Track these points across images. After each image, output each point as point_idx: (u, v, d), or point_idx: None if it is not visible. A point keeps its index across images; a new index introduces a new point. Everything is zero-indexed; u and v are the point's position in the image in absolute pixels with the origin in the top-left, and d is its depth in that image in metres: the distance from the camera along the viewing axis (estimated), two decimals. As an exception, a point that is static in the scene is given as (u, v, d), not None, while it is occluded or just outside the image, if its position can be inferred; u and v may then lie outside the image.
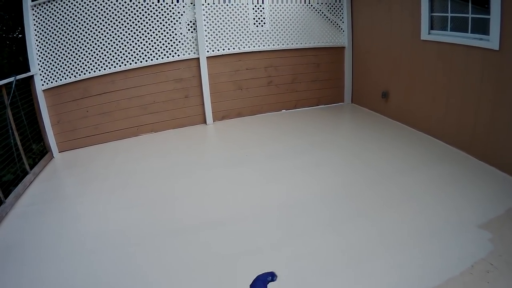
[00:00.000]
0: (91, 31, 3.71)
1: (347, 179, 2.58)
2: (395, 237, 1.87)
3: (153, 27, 3.80)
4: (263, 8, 4.10)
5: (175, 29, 3.87)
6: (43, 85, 3.79)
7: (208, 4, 3.89)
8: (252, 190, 2.53)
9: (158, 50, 3.86)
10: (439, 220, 1.98)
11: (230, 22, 4.00)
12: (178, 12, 3.85)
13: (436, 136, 3.24)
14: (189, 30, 3.92)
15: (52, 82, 3.80)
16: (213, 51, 3.99)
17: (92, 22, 3.69)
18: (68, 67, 3.77)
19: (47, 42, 3.70)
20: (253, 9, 4.07)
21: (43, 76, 3.78)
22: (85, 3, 3.66)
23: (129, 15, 3.73)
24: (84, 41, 3.73)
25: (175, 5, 3.81)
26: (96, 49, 3.76)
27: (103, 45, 3.75)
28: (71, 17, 3.66)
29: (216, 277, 1.68)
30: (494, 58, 2.55)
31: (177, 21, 3.86)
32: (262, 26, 4.12)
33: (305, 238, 1.93)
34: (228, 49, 4.03)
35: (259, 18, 4.09)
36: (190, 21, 3.89)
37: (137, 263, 1.86)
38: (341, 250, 1.80)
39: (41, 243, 2.16)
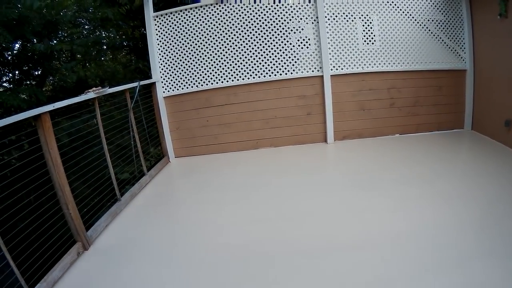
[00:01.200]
0: (213, 43, 3.93)
1: (474, 213, 2.20)
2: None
3: (278, 43, 3.92)
4: (372, 26, 4.00)
5: (299, 45, 3.95)
6: (164, 92, 4.07)
7: (330, 20, 3.94)
8: (376, 217, 2.26)
9: (282, 66, 3.93)
10: None
11: (352, 41, 3.99)
12: (302, 29, 3.94)
13: None
14: (311, 46, 3.98)
15: (173, 90, 4.06)
16: (336, 69, 3.97)
17: (214, 36, 3.92)
18: (190, 76, 3.99)
19: (169, 51, 3.98)
20: (363, 27, 4.00)
21: (165, 84, 4.06)
22: (206, 16, 3.91)
23: (254, 30, 3.90)
24: (207, 52, 3.94)
25: (299, 21, 3.93)
26: (219, 61, 3.94)
27: (226, 57, 3.93)
28: (193, 28, 3.93)
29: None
30: None
31: (299, 38, 3.96)
32: (372, 44, 4.04)
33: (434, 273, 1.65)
34: (352, 68, 3.98)
35: (370, 36, 4.02)
36: (314, 39, 3.96)
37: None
38: None
39: (147, 248, 2.17)
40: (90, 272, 2.00)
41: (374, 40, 4.04)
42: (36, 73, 6.63)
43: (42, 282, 1.81)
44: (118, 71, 5.01)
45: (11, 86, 6.40)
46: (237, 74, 3.97)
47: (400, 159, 3.42)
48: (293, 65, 3.95)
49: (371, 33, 4.02)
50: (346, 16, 3.98)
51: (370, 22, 4.03)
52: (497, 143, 3.78)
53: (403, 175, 2.97)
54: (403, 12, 4.06)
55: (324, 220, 2.29)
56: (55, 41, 6.21)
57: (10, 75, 6.53)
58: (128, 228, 2.49)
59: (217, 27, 3.93)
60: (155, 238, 2.29)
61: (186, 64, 4.00)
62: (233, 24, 3.91)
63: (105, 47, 5.30)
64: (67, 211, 2.19)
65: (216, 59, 3.97)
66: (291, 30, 3.92)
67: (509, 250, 1.76)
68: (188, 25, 3.95)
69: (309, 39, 3.95)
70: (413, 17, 4.07)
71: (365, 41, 4.04)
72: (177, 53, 3.99)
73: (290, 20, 3.91)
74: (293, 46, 3.93)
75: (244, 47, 3.93)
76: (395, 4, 4.01)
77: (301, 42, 3.95)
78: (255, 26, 3.91)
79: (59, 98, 5.08)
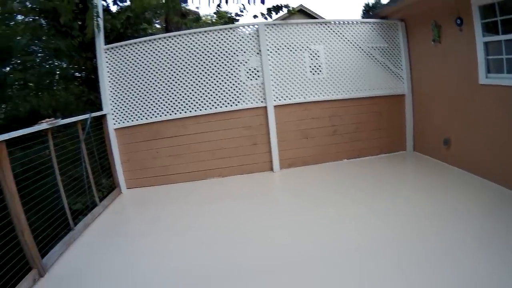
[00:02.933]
0: (163, 76, 4.13)
1: (415, 226, 2.55)
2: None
3: (224, 75, 4.17)
4: (318, 56, 4.38)
5: (247, 77, 4.23)
6: (114, 124, 4.20)
7: (272, 53, 4.24)
8: (319, 235, 2.55)
9: (228, 98, 4.17)
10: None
11: (296, 71, 4.32)
12: (246, 62, 4.25)
13: (501, 184, 3.12)
14: (255, 78, 4.28)
15: (124, 122, 4.21)
16: (280, 100, 4.27)
17: (164, 69, 4.13)
18: (140, 109, 4.14)
19: (119, 84, 4.14)
20: (310, 57, 4.35)
21: (115, 116, 4.20)
22: (156, 49, 4.12)
23: (200, 64, 4.14)
24: (156, 85, 4.13)
25: (242, 55, 4.22)
26: (169, 93, 4.14)
27: (175, 90, 4.14)
28: (143, 61, 4.13)
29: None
30: None
31: (244, 70, 4.25)
32: (319, 74, 4.41)
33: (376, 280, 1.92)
34: (294, 98, 4.28)
35: (316, 66, 4.36)
36: (255, 69, 4.24)
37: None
38: None
39: (102, 274, 2.33)
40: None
41: (321, 70, 4.39)
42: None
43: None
44: (71, 102, 5.11)
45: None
46: (185, 107, 4.16)
47: (342, 184, 3.70)
48: (238, 96, 4.20)
49: (318, 63, 4.36)
50: (290, 48, 4.31)
51: (317, 52, 4.38)
52: (437, 161, 4.19)
53: (343, 197, 3.29)
54: (348, 41, 4.43)
55: (266, 242, 2.56)
56: (7, 68, 6.21)
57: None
58: (83, 256, 2.62)
59: (166, 60, 4.12)
60: (109, 266, 2.43)
61: (137, 96, 4.15)
62: (182, 57, 4.12)
63: (57, 77, 5.39)
64: (23, 239, 2.30)
65: (166, 91, 4.15)
66: (239, 62, 4.20)
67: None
68: (138, 57, 4.12)
69: (255, 71, 4.25)
70: (357, 45, 4.46)
71: (312, 71, 4.39)
72: (127, 85, 4.15)
73: (236, 52, 4.19)
74: (240, 77, 4.21)
75: (192, 80, 4.14)
76: (341, 34, 4.38)
77: (249, 74, 4.23)
78: (204, 59, 4.14)
79: (12, 128, 5.08)
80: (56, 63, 5.16)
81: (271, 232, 2.72)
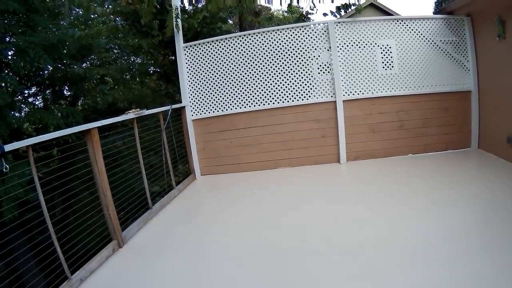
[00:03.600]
0: (237, 71, 4.52)
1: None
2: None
3: (296, 70, 4.48)
4: (390, 51, 4.51)
5: (318, 72, 4.50)
6: (192, 115, 4.70)
7: (342, 49, 4.45)
8: (375, 228, 2.67)
9: (299, 92, 4.48)
10: None
11: (365, 66, 4.49)
12: (317, 58, 4.51)
13: None
14: (326, 73, 4.53)
15: (201, 114, 4.69)
16: (348, 95, 4.50)
17: (238, 65, 4.52)
18: (216, 101, 4.58)
19: (197, 78, 4.60)
20: (381, 52, 4.53)
21: (193, 108, 4.70)
22: (231, 46, 4.52)
23: (273, 60, 4.47)
24: (231, 80, 4.54)
25: (313, 51, 4.50)
26: (242, 88, 4.53)
27: (248, 85, 4.51)
28: (219, 58, 4.54)
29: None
30: None
31: (316, 65, 4.52)
32: (390, 69, 4.57)
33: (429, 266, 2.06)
34: (363, 93, 4.49)
35: (387, 61, 4.52)
36: (325, 64, 4.50)
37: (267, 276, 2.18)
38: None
39: (174, 247, 2.68)
40: (122, 266, 2.47)
41: (392, 65, 4.54)
42: (68, 93, 7.48)
43: (81, 270, 2.33)
44: (147, 95, 5.70)
45: (44, 104, 7.25)
46: (258, 100, 4.54)
47: (406, 177, 3.86)
48: (308, 91, 4.48)
49: (390, 58, 4.51)
50: (358, 44, 4.49)
51: (388, 48, 4.53)
52: (500, 159, 4.19)
53: (409, 190, 3.44)
54: (417, 34, 4.53)
55: (330, 228, 2.78)
56: (86, 64, 7.04)
57: (46, 92, 7.37)
58: (158, 232, 3.03)
59: (241, 57, 4.52)
60: (181, 241, 2.80)
61: (213, 90, 4.61)
62: (256, 54, 4.49)
63: (136, 72, 6.03)
64: (107, 213, 2.69)
65: (240, 86, 4.55)
66: (310, 58, 4.47)
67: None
68: (214, 54, 4.56)
69: (325, 66, 4.51)
70: (426, 39, 4.53)
71: (384, 66, 4.54)
72: (204, 80, 4.61)
73: (307, 48, 4.47)
74: (311, 73, 4.48)
75: (266, 75, 4.50)
76: (409, 28, 4.50)
77: (320, 69, 4.51)
78: (276, 56, 4.47)
79: (91, 118, 5.84)
80: (135, 60, 5.81)
81: (334, 219, 2.93)
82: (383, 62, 4.54)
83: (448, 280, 1.91)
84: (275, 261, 2.34)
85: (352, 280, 2.02)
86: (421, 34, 4.53)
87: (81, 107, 7.14)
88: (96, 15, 5.99)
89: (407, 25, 4.50)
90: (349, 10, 4.84)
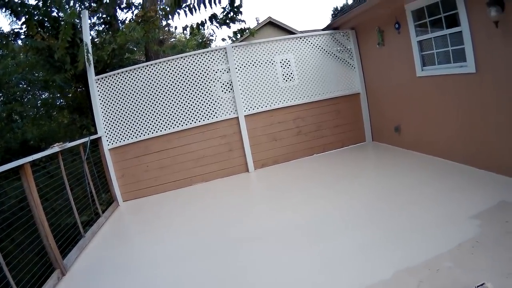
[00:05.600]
0: (147, 99, 4.99)
1: (369, 195, 3.51)
2: (412, 225, 2.68)
3: (198, 94, 5.07)
4: (290, 64, 5.36)
5: (222, 91, 5.14)
6: (108, 144, 5.07)
7: (240, 69, 5.15)
8: (288, 215, 3.42)
9: (205, 113, 5.06)
10: (440, 215, 2.71)
11: (262, 83, 5.23)
12: (218, 80, 5.17)
13: (444, 157, 4.04)
14: (228, 92, 5.19)
15: (116, 142, 5.08)
16: (249, 110, 5.17)
17: (148, 92, 5.00)
18: (130, 129, 4.99)
19: (110, 108, 4.98)
20: (281, 66, 5.34)
21: (108, 137, 5.08)
22: (140, 75, 4.99)
23: (180, 85, 5.03)
24: (142, 108, 4.99)
25: (215, 74, 5.15)
26: (153, 113, 5.00)
27: (159, 111, 5.00)
28: (129, 87, 4.98)
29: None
30: (473, 79, 3.41)
31: (219, 86, 5.18)
32: (291, 81, 5.39)
33: (330, 238, 2.77)
34: (261, 107, 5.20)
35: (287, 74, 5.32)
36: (227, 83, 5.16)
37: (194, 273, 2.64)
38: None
39: (112, 267, 3.04)
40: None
41: (293, 78, 5.35)
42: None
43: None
44: (58, 130, 5.89)
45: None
46: (169, 124, 5.02)
47: (307, 174, 4.65)
48: (213, 111, 5.08)
49: (290, 71, 5.31)
50: (255, 63, 5.22)
51: (288, 61, 5.32)
52: (392, 146, 5.17)
53: (309, 185, 4.22)
54: (314, 45, 5.41)
55: (248, 222, 3.48)
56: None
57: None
58: (95, 257, 3.36)
59: (150, 84, 4.98)
60: (116, 260, 3.14)
61: (126, 119, 4.98)
62: (163, 81, 5.00)
63: (46, 108, 6.19)
64: (47, 243, 2.89)
65: (151, 112, 5.00)
66: (212, 81, 5.08)
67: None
68: (124, 84, 4.96)
69: (227, 86, 5.17)
70: (320, 48, 5.45)
71: (284, 79, 5.32)
72: (117, 109, 4.97)
73: (209, 72, 5.08)
74: (215, 93, 5.09)
75: (174, 99, 5.01)
76: (307, 42, 5.37)
77: (222, 89, 5.14)
78: (182, 81, 5.02)
79: (5, 159, 5.85)
80: (42, 95, 5.94)
81: (249, 216, 3.63)
82: (283, 76, 5.34)
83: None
84: (213, 253, 2.90)
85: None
86: (316, 46, 5.44)
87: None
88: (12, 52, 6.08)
89: (302, 41, 5.37)
90: (244, 34, 5.61)
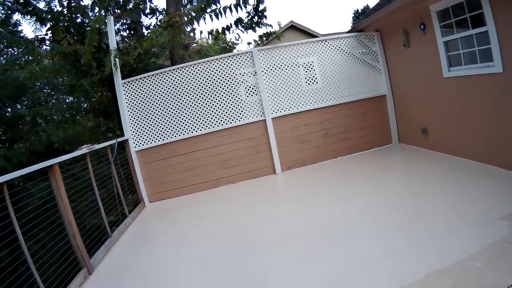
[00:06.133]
0: (173, 102, 5.05)
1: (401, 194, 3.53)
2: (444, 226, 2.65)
3: (224, 97, 5.11)
4: (314, 68, 5.35)
5: (246, 95, 5.18)
6: (135, 147, 5.15)
7: (266, 72, 5.18)
8: (318, 217, 3.38)
9: (232, 115, 5.10)
10: (471, 216, 2.69)
11: (289, 85, 5.25)
12: (246, 81, 5.22)
13: (473, 158, 3.97)
14: (254, 95, 5.23)
15: (143, 145, 5.15)
16: (276, 112, 5.19)
17: (174, 96, 5.05)
18: (156, 132, 5.05)
19: (137, 111, 5.06)
20: (304, 69, 5.33)
21: (135, 140, 5.16)
22: (166, 79, 5.06)
23: (206, 88, 5.08)
24: (168, 111, 5.05)
25: (241, 76, 5.21)
26: (180, 117, 5.05)
27: (185, 113, 5.05)
28: (156, 90, 5.06)
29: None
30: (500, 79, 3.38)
31: (244, 90, 5.21)
32: (315, 84, 5.40)
33: (362, 239, 2.76)
34: (288, 109, 5.22)
35: (311, 77, 5.34)
36: (253, 86, 5.19)
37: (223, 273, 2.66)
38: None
39: (138, 267, 3.08)
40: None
41: (316, 81, 5.34)
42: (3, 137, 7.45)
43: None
44: (83, 133, 6.01)
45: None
46: (196, 127, 5.07)
47: (333, 177, 4.61)
48: (240, 113, 5.12)
49: (313, 74, 5.31)
50: (281, 66, 5.25)
51: (312, 64, 5.33)
52: (419, 148, 5.10)
53: (340, 184, 4.22)
54: (337, 48, 5.41)
55: (276, 224, 3.45)
56: (21, 105, 7.19)
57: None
58: (122, 257, 3.41)
59: (176, 88, 5.05)
60: (141, 260, 3.20)
61: (152, 121, 5.05)
62: (189, 84, 5.05)
63: (72, 112, 6.34)
64: (75, 242, 2.97)
65: (177, 115, 5.06)
66: (238, 84, 5.12)
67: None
68: (151, 88, 5.04)
69: (253, 89, 5.22)
70: (345, 52, 5.43)
71: (307, 82, 5.32)
72: (143, 112, 5.05)
73: (235, 75, 5.12)
74: (241, 97, 5.16)
75: (200, 103, 5.06)
76: (330, 45, 5.37)
77: (248, 92, 5.19)
78: (208, 84, 5.07)
79: (30, 161, 5.95)
80: (67, 99, 6.08)
81: (275, 218, 3.62)
82: (306, 79, 5.36)
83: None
84: (236, 258, 2.87)
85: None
86: (340, 49, 5.43)
87: (23, 149, 7.20)
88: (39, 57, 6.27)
89: (327, 44, 5.38)
90: (270, 38, 5.68)
